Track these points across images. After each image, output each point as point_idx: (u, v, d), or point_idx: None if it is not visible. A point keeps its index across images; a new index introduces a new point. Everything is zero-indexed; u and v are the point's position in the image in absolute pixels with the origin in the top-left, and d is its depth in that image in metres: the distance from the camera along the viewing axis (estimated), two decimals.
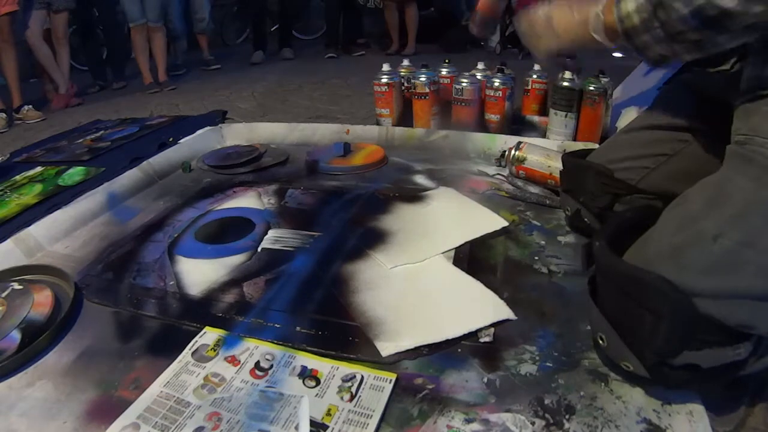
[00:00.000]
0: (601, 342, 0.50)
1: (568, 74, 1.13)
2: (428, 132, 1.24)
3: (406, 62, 1.49)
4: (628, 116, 1.07)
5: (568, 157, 0.78)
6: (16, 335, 0.62)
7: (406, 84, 1.43)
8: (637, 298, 0.45)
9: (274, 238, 0.84)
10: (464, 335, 0.57)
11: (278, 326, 0.62)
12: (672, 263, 0.44)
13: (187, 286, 0.73)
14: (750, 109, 0.45)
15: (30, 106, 2.43)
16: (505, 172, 1.02)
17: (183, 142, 1.29)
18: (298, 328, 0.62)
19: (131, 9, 2.81)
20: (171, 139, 1.29)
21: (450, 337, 0.57)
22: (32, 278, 0.75)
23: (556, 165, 0.90)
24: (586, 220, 0.73)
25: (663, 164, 0.67)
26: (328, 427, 0.47)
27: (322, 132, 1.33)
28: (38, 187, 1.09)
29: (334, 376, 0.53)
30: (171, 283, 0.74)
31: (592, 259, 0.51)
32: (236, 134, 1.39)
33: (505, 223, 0.80)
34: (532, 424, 0.47)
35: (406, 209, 0.89)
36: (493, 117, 1.26)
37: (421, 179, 1.03)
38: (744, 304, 0.43)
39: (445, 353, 0.56)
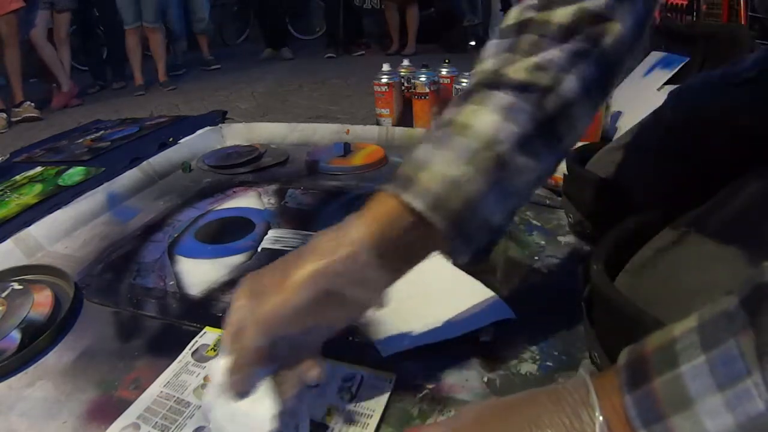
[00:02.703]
0: (593, 359, 0.50)
1: None
2: None
3: (406, 62, 1.50)
4: (629, 117, 1.07)
5: (572, 163, 0.76)
6: (16, 335, 0.62)
7: (406, 84, 1.43)
8: (630, 334, 0.44)
9: (274, 238, 0.84)
10: (464, 335, 0.57)
11: None
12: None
13: (187, 286, 0.73)
14: None
15: (30, 103, 2.44)
16: None
17: (183, 142, 1.29)
18: None
19: (126, 12, 2.81)
20: (171, 139, 1.29)
21: (450, 337, 0.57)
22: (32, 278, 0.75)
23: None
24: (588, 232, 0.73)
25: (675, 192, 0.59)
26: (328, 427, 0.47)
27: (322, 132, 1.33)
28: (38, 187, 1.09)
29: (334, 376, 0.53)
30: (171, 283, 0.74)
31: (589, 276, 0.51)
32: (236, 134, 1.39)
33: None
34: None
35: None
36: None
37: None
38: None
39: (445, 353, 0.56)
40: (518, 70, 0.39)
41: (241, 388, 0.40)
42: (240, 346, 0.39)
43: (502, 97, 0.38)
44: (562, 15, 0.39)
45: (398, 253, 0.39)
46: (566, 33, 0.39)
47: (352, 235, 0.38)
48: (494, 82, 0.39)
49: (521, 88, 0.38)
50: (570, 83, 0.38)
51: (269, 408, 0.40)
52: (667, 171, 0.63)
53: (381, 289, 0.41)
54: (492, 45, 0.43)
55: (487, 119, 0.38)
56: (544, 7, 0.40)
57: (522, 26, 0.41)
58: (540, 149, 0.39)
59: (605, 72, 0.41)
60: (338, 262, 0.37)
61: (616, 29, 0.39)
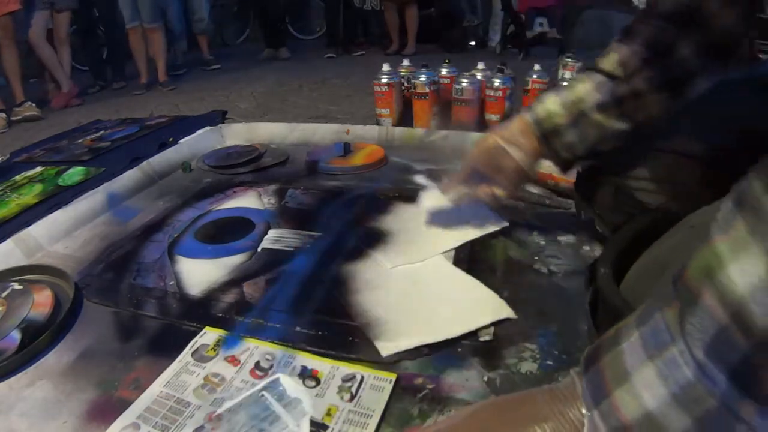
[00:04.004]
0: None
1: (568, 74, 1.13)
2: (428, 132, 1.24)
3: (406, 62, 1.50)
4: None
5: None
6: (16, 335, 0.62)
7: (406, 84, 1.43)
8: None
9: (274, 238, 0.84)
10: (464, 335, 0.57)
11: (278, 326, 0.62)
12: None
13: (187, 286, 0.73)
14: None
15: (31, 103, 2.45)
16: None
17: (183, 142, 1.29)
18: (298, 328, 0.62)
19: (126, 11, 2.82)
20: (171, 139, 1.29)
21: (450, 336, 0.57)
22: (32, 278, 0.75)
23: None
24: (598, 228, 0.73)
25: (685, 197, 0.59)
26: (328, 427, 0.47)
27: (322, 132, 1.33)
28: (38, 187, 1.09)
29: (334, 376, 0.53)
30: (171, 283, 0.74)
31: (594, 277, 0.51)
32: (236, 134, 1.39)
33: (506, 223, 0.80)
34: None
35: (406, 209, 0.89)
36: (493, 117, 1.26)
37: (421, 179, 1.03)
38: None
39: (445, 353, 0.56)
40: (607, 62, 0.58)
41: (449, 191, 0.73)
42: (452, 172, 0.72)
43: (597, 77, 0.58)
44: (642, 31, 0.56)
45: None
46: (645, 44, 0.55)
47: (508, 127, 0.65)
48: (595, 67, 0.59)
49: (608, 75, 0.57)
50: (638, 79, 0.55)
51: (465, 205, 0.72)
52: (680, 171, 0.63)
53: (529, 155, 0.64)
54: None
55: (584, 86, 0.59)
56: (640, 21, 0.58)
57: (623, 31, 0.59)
58: (610, 115, 0.57)
59: (670, 78, 0.54)
60: (501, 130, 0.66)
61: (680, 53, 0.53)
